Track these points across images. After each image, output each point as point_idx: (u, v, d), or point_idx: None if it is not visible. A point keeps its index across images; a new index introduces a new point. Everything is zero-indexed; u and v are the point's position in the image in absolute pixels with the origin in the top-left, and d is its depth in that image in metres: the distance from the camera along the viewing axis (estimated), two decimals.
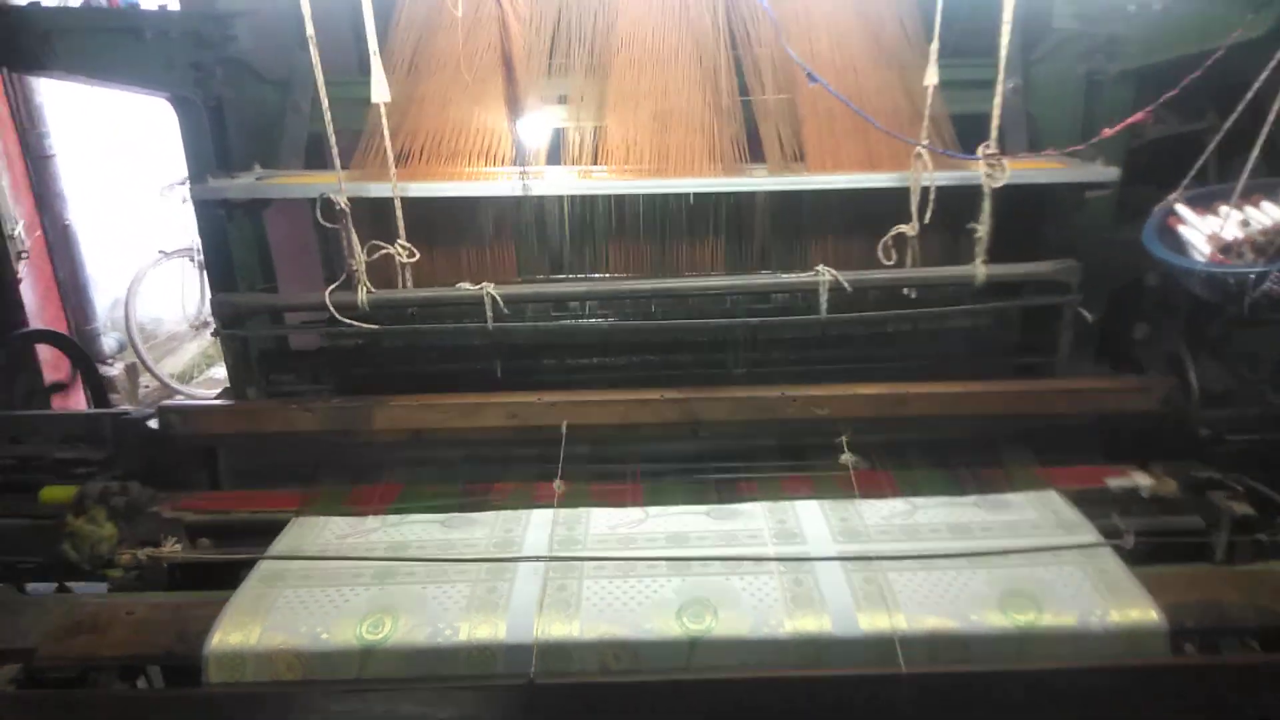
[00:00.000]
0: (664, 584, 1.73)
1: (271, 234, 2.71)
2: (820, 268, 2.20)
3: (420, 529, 1.96)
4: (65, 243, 5.55)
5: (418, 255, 2.23)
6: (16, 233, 4.63)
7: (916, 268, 2.29)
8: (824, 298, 2.20)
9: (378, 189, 2.19)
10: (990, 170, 2.16)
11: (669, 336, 2.43)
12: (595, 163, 2.33)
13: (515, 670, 1.59)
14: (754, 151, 2.38)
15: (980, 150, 2.16)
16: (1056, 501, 1.99)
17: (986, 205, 2.20)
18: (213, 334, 2.30)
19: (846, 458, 2.01)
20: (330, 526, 1.98)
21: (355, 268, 2.19)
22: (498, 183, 2.21)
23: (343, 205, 2.13)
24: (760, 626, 1.62)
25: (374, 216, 2.31)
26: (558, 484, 2.02)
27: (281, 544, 1.92)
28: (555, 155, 2.36)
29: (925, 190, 2.19)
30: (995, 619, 1.64)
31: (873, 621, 1.63)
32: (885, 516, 1.95)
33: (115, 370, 5.98)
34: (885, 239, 2.27)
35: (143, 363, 6.12)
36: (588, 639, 1.61)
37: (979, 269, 2.23)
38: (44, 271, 5.33)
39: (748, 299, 2.37)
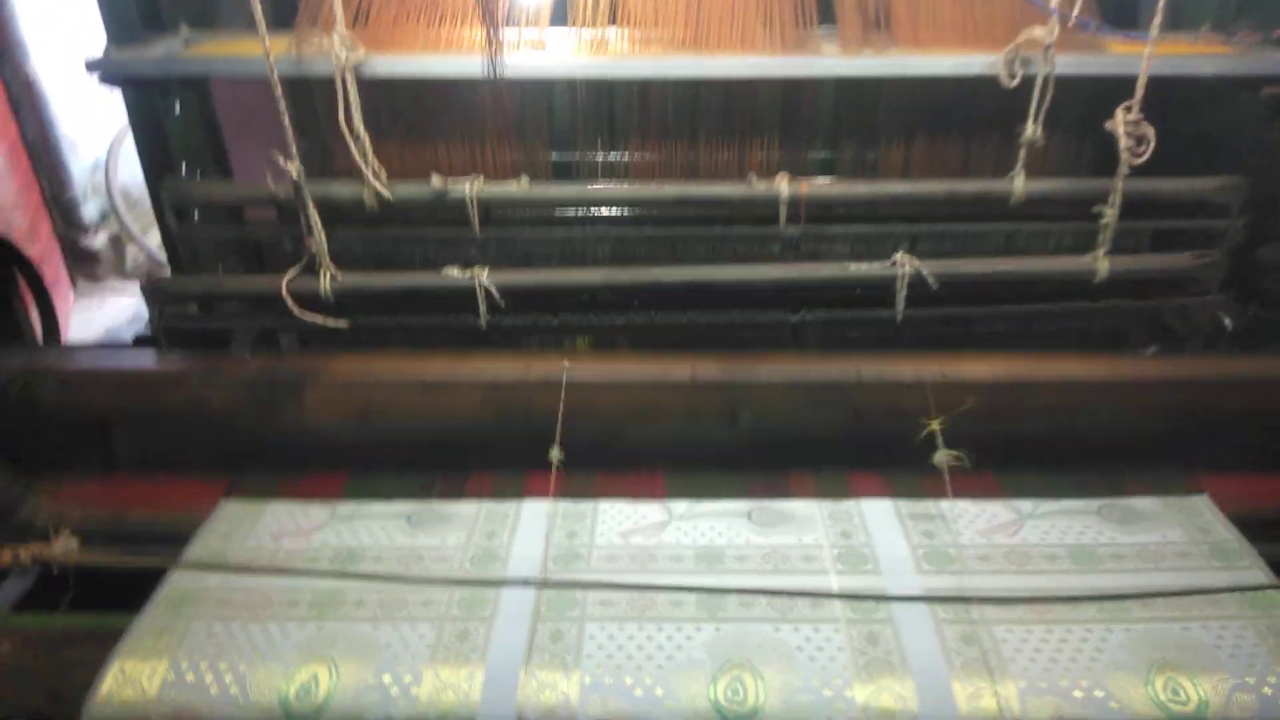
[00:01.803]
0: (693, 634, 1.30)
1: (224, 103, 2.18)
2: (899, 257, 1.69)
3: (379, 529, 1.52)
4: (30, 98, 4.98)
5: (361, 51, 1.63)
6: None
7: (1024, 258, 1.77)
8: (901, 294, 1.70)
9: (324, 63, 1.65)
10: (1132, 142, 1.57)
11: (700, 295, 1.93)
12: (614, 23, 1.76)
13: None
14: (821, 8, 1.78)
15: (1120, 115, 1.57)
16: (1206, 514, 1.52)
17: (1118, 183, 1.63)
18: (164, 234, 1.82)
19: (941, 457, 1.52)
20: (266, 518, 1.55)
21: (314, 250, 1.69)
22: (464, 58, 1.66)
23: (295, 174, 1.59)
24: (822, 707, 1.20)
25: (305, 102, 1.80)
26: (554, 453, 1.54)
27: (200, 546, 1.50)
28: (561, 12, 1.79)
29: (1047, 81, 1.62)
30: (1141, 704, 1.20)
31: (974, 702, 1.21)
32: (983, 531, 1.49)
33: (98, 242, 5.53)
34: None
35: (128, 233, 5.64)
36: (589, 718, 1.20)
37: (1101, 262, 1.70)
38: (6, 132, 4.79)
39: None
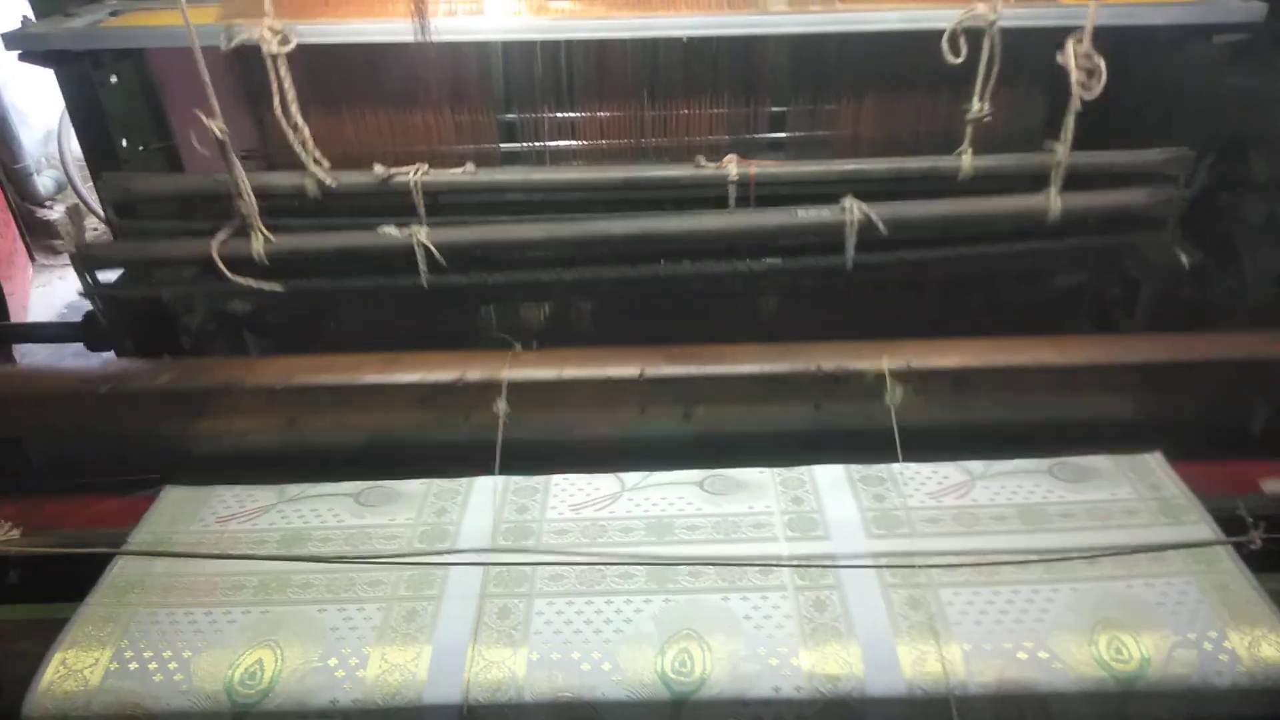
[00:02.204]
0: (642, 607, 1.29)
1: (166, 76, 2.10)
2: (846, 202, 1.66)
3: (326, 509, 1.50)
4: None
5: (294, 41, 1.58)
6: None
7: (969, 199, 1.73)
8: (851, 242, 1.66)
9: (248, 31, 1.59)
10: (1084, 76, 1.54)
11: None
12: None
13: None
14: None
15: (1071, 46, 1.54)
16: (1157, 471, 1.53)
17: (1069, 120, 1.60)
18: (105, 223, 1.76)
19: (891, 398, 1.51)
20: (211, 502, 1.53)
21: (245, 212, 1.64)
22: (393, 23, 1.60)
23: (218, 132, 1.53)
24: (768, 676, 1.20)
25: (250, 71, 1.74)
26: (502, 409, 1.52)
27: (147, 528, 1.48)
28: None
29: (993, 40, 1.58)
30: (1085, 665, 1.21)
31: (919, 667, 1.21)
32: (933, 493, 1.49)
33: (55, 214, 5.41)
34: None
35: (85, 204, 5.52)
36: (538, 698, 1.20)
37: (1052, 201, 1.68)
38: None
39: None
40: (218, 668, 1.23)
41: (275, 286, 1.69)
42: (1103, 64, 1.51)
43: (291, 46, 1.55)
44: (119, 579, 1.38)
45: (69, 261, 1.77)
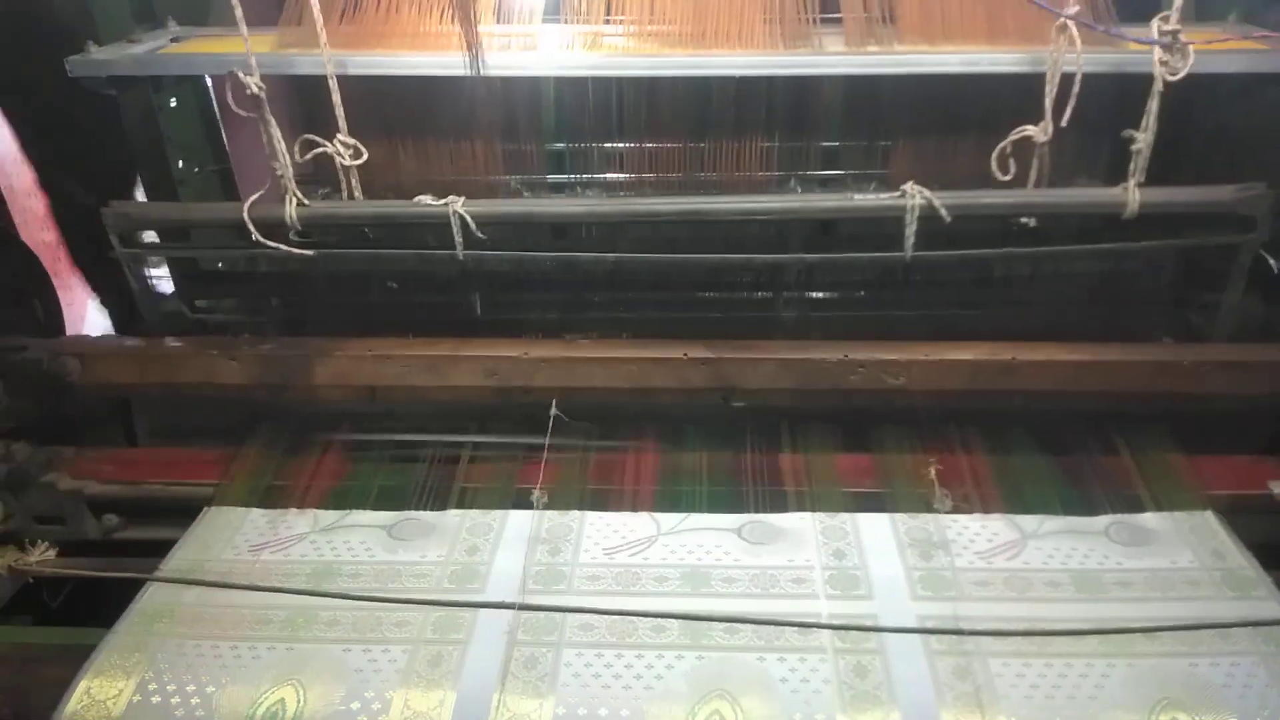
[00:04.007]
0: (673, 663, 1.25)
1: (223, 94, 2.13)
2: (907, 187, 1.58)
3: (358, 541, 1.49)
4: None
5: (365, 154, 1.66)
6: None
7: (1041, 190, 1.65)
8: (911, 229, 1.59)
9: (306, 63, 1.61)
10: (1167, 56, 1.49)
11: (695, 274, 1.87)
12: (608, 18, 1.69)
13: None
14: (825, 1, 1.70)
15: (1156, 25, 1.48)
16: (1217, 535, 1.45)
17: (1153, 104, 1.53)
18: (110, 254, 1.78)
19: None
20: (246, 528, 1.52)
21: (279, 172, 1.64)
22: (446, 56, 1.60)
23: (255, 88, 1.56)
24: None
25: (308, 101, 1.75)
26: (537, 496, 1.55)
27: (180, 556, 1.48)
28: (555, 6, 1.72)
29: (1066, 79, 1.53)
30: None
31: None
32: (983, 553, 1.43)
33: None
34: (1004, 144, 1.61)
35: None
36: None
37: (1132, 194, 1.59)
38: None
39: (804, 226, 1.77)
40: (240, 705, 1.21)
41: (307, 252, 1.66)
42: (1191, 47, 1.44)
43: (363, 159, 1.61)
44: (149, 606, 1.37)
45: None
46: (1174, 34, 1.47)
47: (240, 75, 1.55)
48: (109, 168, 2.12)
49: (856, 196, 1.64)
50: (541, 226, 1.84)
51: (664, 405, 1.69)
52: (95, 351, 1.76)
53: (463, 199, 1.62)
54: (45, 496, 1.67)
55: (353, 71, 1.61)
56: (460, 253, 1.65)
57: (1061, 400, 1.63)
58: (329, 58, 1.57)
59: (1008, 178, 1.60)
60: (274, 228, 1.66)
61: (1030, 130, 1.57)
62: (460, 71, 1.59)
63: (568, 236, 1.91)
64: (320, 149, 1.64)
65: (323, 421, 1.77)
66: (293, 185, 1.64)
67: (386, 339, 1.72)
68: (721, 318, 1.89)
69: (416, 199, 1.64)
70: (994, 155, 1.59)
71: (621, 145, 1.86)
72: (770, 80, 1.75)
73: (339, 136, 1.64)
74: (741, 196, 1.72)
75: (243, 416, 1.79)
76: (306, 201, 1.65)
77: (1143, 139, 1.56)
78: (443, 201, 1.62)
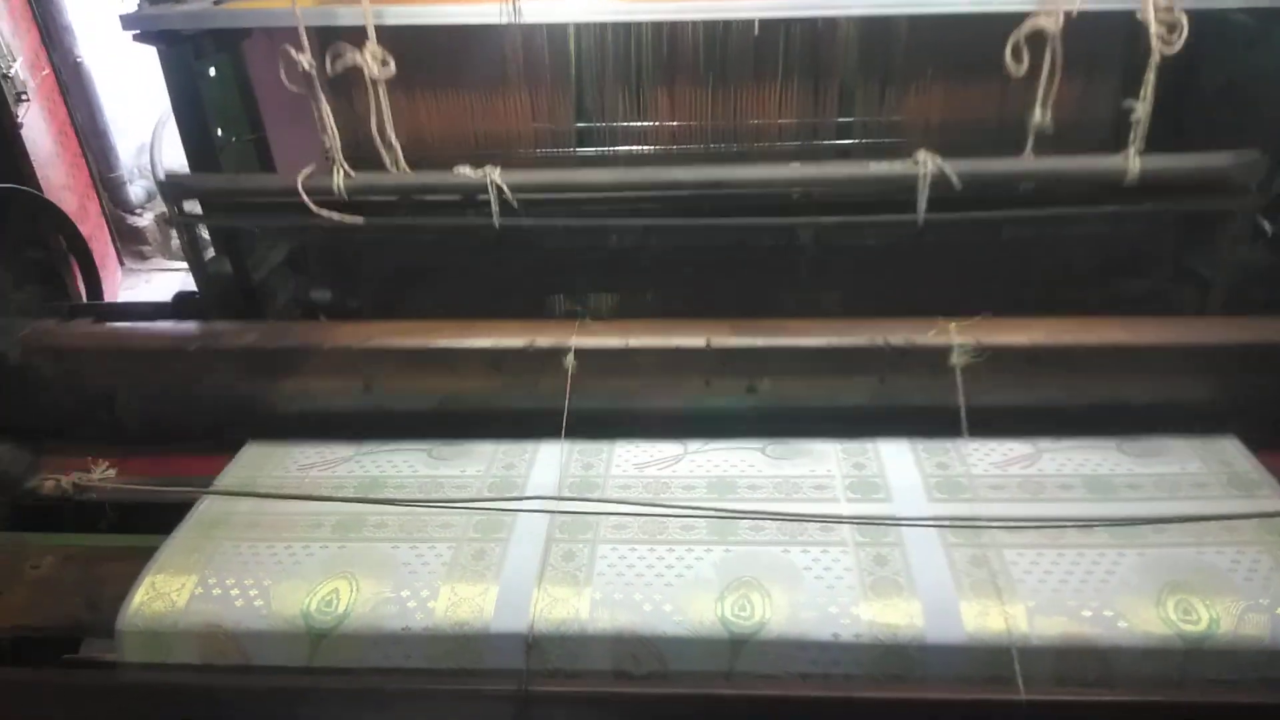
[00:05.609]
0: (703, 555, 1.32)
1: (257, 66, 2.22)
2: (920, 155, 1.65)
3: (401, 460, 1.57)
4: (79, 82, 5.12)
5: (392, 65, 1.67)
6: (14, 71, 4.15)
7: (1050, 158, 1.71)
8: (923, 197, 1.65)
9: (347, 14, 1.69)
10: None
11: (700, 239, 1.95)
12: None
13: (504, 665, 1.23)
14: None
15: None
16: (1230, 449, 1.51)
17: (1150, 76, 1.58)
18: (168, 222, 1.86)
19: (957, 357, 1.50)
20: (292, 455, 1.60)
21: (328, 146, 1.72)
22: (482, 5, 1.68)
23: (306, 65, 1.63)
24: (827, 623, 1.22)
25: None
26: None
27: (231, 475, 1.56)
28: None
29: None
30: (1151, 623, 1.20)
31: (981, 620, 1.21)
32: (998, 463, 1.49)
33: (145, 220, 5.67)
34: (1017, 35, 1.59)
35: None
36: (600, 633, 1.23)
37: (1132, 161, 1.64)
38: (57, 115, 4.93)
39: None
40: (296, 595, 1.29)
41: (357, 220, 1.73)
42: (1184, 19, 1.49)
43: (390, 72, 1.64)
44: (205, 516, 1.45)
45: (156, 266, 1.85)
46: (1169, 9, 1.51)
47: (292, 52, 1.62)
48: None
49: (872, 165, 1.70)
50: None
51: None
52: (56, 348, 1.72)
53: (499, 169, 1.70)
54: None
55: (389, 21, 1.69)
56: (496, 220, 1.72)
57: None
58: (369, 8, 1.65)
59: (1022, 72, 1.57)
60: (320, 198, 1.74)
61: (1042, 22, 1.59)
62: (498, 19, 1.67)
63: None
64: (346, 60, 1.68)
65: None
66: (339, 156, 1.72)
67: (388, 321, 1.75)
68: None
69: (455, 169, 1.72)
70: (1008, 47, 1.58)
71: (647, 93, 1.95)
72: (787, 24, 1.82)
73: (368, 45, 1.64)
74: (764, 165, 1.79)
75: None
76: (352, 173, 1.74)
77: (1141, 108, 1.61)
78: (480, 171, 1.70)
